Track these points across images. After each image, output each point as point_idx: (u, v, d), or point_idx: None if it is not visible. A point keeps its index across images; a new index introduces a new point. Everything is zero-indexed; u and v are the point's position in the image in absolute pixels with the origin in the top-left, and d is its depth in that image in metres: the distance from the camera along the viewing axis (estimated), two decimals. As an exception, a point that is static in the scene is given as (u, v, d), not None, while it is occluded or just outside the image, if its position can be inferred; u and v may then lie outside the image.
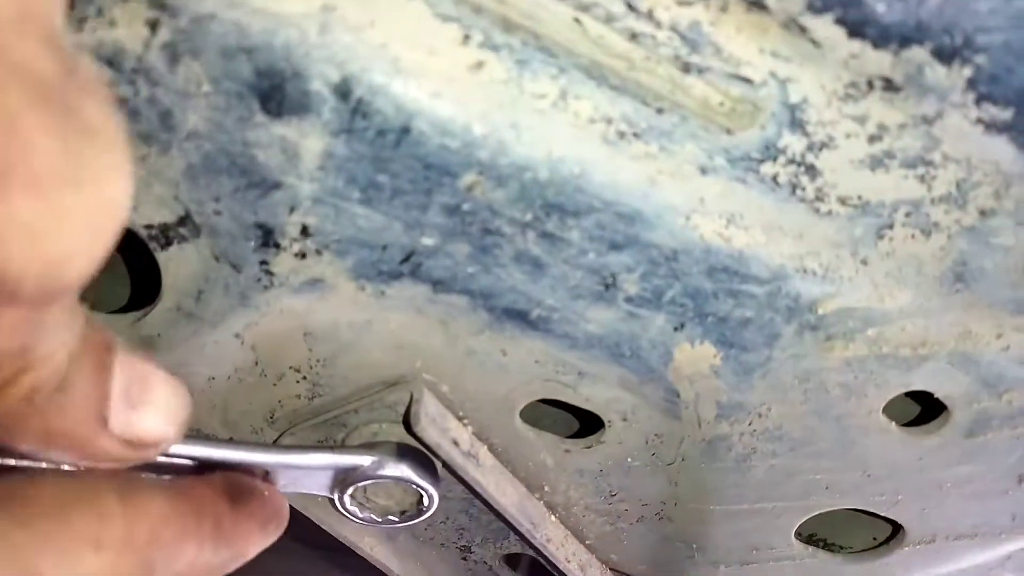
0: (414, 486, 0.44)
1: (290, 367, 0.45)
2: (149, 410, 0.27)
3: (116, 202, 0.20)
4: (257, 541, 0.33)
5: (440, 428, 0.45)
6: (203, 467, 0.36)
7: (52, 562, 0.24)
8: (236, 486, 0.34)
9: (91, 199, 0.19)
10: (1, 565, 0.24)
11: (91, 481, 0.27)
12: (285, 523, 0.37)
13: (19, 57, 0.17)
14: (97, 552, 0.25)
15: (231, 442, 0.38)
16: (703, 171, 0.37)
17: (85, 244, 0.19)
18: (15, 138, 0.17)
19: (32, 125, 0.17)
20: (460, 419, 0.47)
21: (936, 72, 0.33)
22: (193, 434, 0.46)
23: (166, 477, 0.34)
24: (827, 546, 0.60)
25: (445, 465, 0.46)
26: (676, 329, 0.42)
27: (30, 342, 0.21)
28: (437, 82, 0.34)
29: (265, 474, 0.39)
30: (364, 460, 0.43)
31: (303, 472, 0.41)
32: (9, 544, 0.24)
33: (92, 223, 0.19)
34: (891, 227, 0.39)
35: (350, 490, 0.44)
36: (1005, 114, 0.34)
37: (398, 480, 0.44)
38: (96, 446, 0.26)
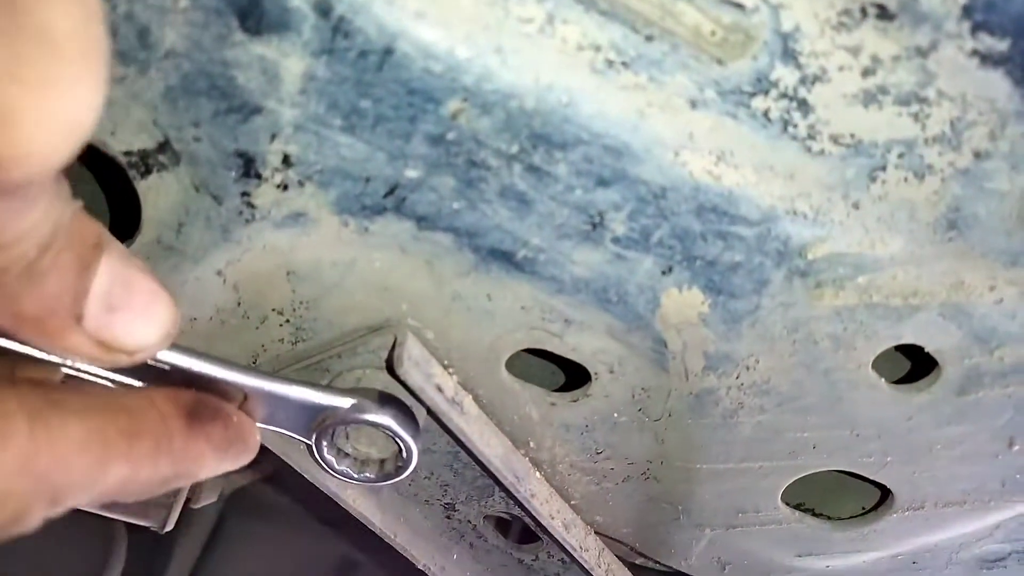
0: (393, 436, 0.43)
1: (273, 309, 0.45)
2: (128, 316, 0.27)
3: (70, 111, 0.20)
4: (211, 464, 0.33)
5: (424, 373, 0.44)
6: (184, 381, 0.35)
7: None
8: (198, 405, 0.33)
9: (40, 103, 0.19)
10: None
11: (4, 400, 0.26)
12: (251, 453, 0.36)
13: None
14: None
15: (210, 356, 0.36)
16: (693, 104, 0.36)
17: (33, 146, 0.20)
18: None
19: None
20: (445, 368, 0.47)
21: (931, -2, 0.32)
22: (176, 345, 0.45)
23: (128, 383, 0.34)
24: (815, 516, 0.60)
25: (429, 412, 0.45)
26: (664, 273, 0.41)
27: None
28: (421, 2, 0.33)
29: (244, 400, 0.38)
30: (344, 402, 0.42)
31: (281, 404, 0.40)
32: None
33: (40, 127, 0.20)
34: (884, 169, 0.38)
35: (328, 435, 0.43)
36: (1001, 45, 0.33)
37: (377, 426, 0.43)
38: (68, 341, 0.26)
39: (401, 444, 0.44)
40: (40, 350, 0.28)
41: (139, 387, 0.34)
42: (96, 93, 0.21)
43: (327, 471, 0.46)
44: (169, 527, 0.65)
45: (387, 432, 0.43)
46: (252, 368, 0.38)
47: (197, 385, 0.35)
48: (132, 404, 0.30)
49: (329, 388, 0.43)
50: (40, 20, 0.19)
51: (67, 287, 0.25)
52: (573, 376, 0.50)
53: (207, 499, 0.74)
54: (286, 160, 0.37)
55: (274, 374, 0.40)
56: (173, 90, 0.35)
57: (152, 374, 0.34)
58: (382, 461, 0.47)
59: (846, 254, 0.41)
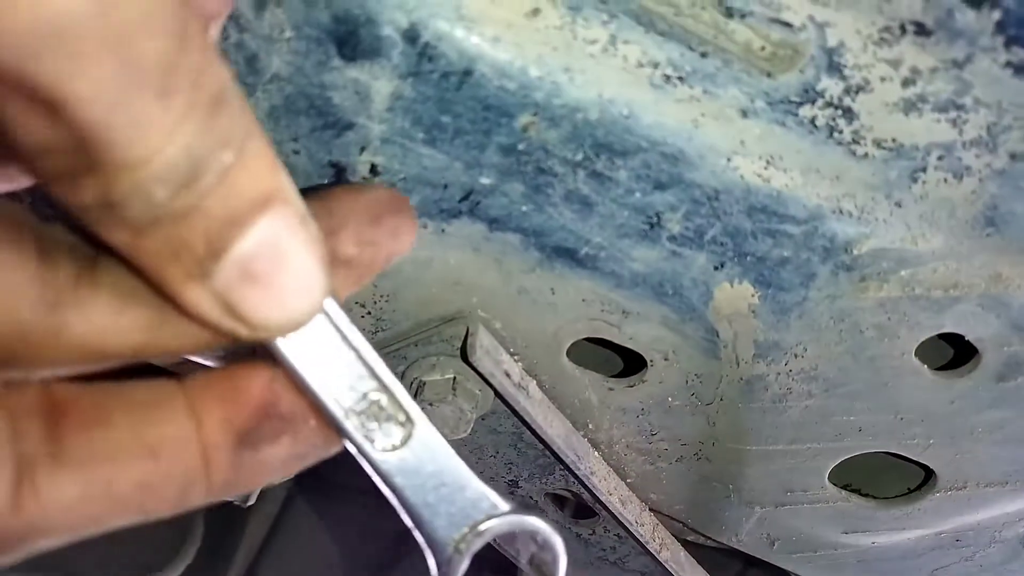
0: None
1: (356, 302, 0.49)
2: (266, 291, 0.23)
3: None
4: (267, 479, 0.28)
5: (494, 359, 0.48)
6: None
7: None
8: (260, 425, 0.27)
9: None
10: None
11: None
12: (331, 451, 0.29)
13: None
14: None
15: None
16: (744, 114, 0.40)
17: None
18: None
19: None
20: (511, 355, 0.51)
21: (966, 16, 0.35)
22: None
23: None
24: (861, 496, 0.62)
25: (497, 394, 0.49)
26: (716, 268, 0.45)
27: (73, 132, 0.19)
28: (497, 28, 0.37)
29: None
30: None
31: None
32: None
33: None
34: (924, 170, 0.41)
35: None
36: (1034, 57, 0.36)
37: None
38: (186, 295, 0.23)
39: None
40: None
41: (188, 404, 0.26)
42: None
43: None
44: (251, 501, 0.70)
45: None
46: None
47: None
48: (164, 439, 0.25)
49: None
50: None
51: (205, 239, 0.22)
52: (630, 362, 0.54)
53: (285, 477, 0.79)
54: (373, 169, 0.42)
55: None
56: (276, 109, 0.40)
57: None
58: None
59: (889, 249, 0.44)
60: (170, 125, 0.20)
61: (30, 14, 0.17)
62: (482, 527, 0.29)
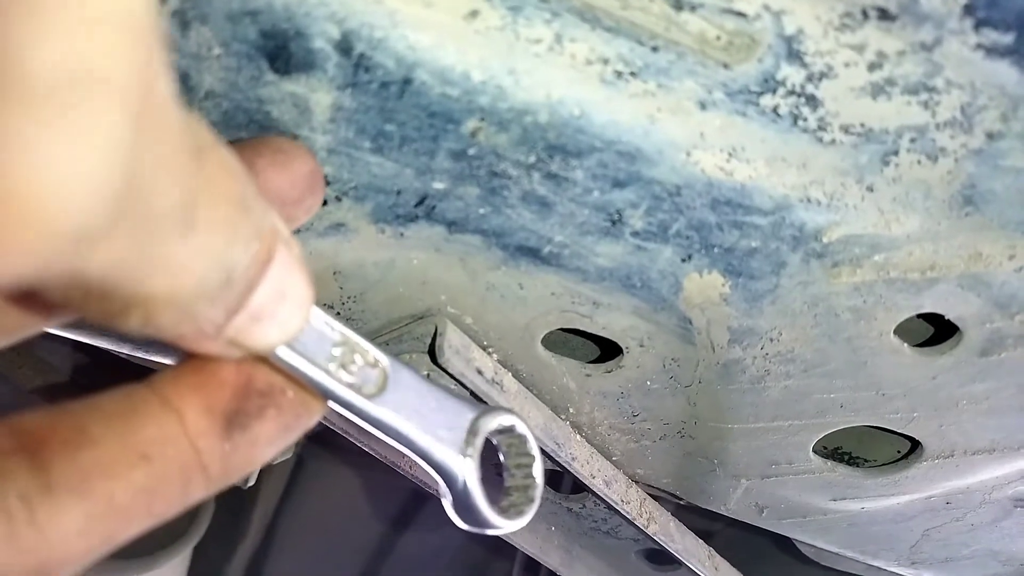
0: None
1: (324, 304, 0.48)
2: (268, 325, 0.24)
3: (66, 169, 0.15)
4: (264, 458, 0.28)
5: (464, 359, 0.47)
6: None
7: None
8: (242, 404, 0.27)
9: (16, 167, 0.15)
10: None
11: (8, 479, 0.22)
12: (316, 417, 0.29)
13: None
14: None
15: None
16: (702, 106, 0.38)
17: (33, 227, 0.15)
18: None
19: None
20: (485, 348, 0.50)
21: (931, 0, 0.32)
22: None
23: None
24: (852, 459, 0.62)
25: (471, 393, 0.49)
26: (684, 260, 0.43)
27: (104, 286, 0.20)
28: (434, 33, 0.35)
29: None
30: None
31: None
32: None
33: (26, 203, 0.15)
34: (896, 153, 0.39)
35: None
36: (1006, 38, 0.33)
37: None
38: (202, 347, 0.25)
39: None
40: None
41: (163, 402, 0.26)
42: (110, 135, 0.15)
43: None
44: (251, 482, 0.72)
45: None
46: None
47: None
48: (151, 440, 0.25)
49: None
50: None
51: (225, 311, 0.23)
52: (606, 348, 0.53)
53: (286, 453, 0.80)
54: (324, 179, 0.40)
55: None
56: (216, 125, 0.38)
57: None
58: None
59: (862, 235, 0.42)
60: (192, 253, 0.20)
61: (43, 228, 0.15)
62: (476, 427, 0.32)
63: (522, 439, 0.36)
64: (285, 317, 0.25)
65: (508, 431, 0.35)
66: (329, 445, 1.11)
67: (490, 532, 0.35)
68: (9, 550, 0.22)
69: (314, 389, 0.28)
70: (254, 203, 0.23)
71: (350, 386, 0.29)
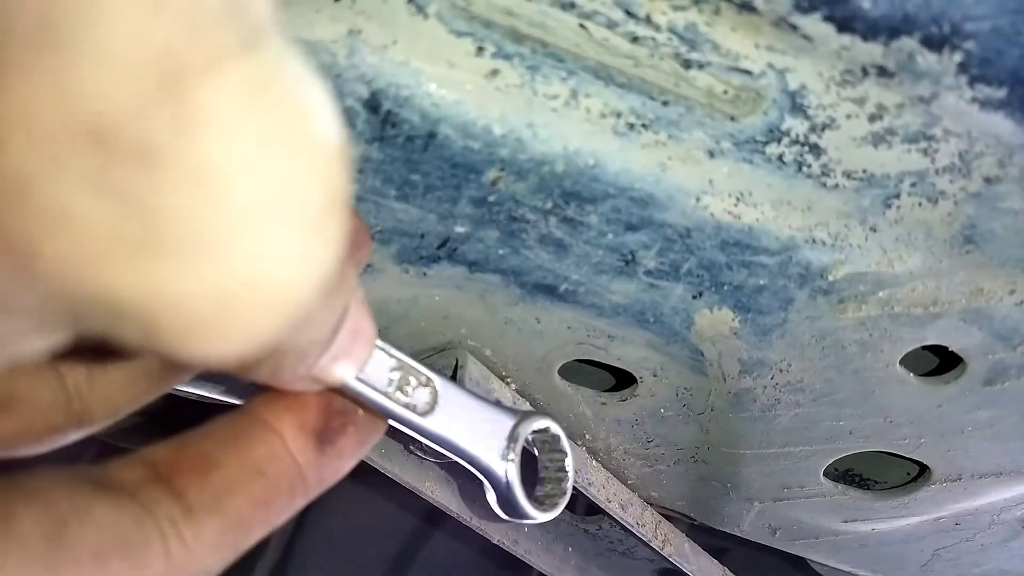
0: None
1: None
2: (346, 363, 0.27)
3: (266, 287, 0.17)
4: (344, 471, 0.31)
5: (484, 389, 0.49)
6: None
7: None
8: (329, 421, 0.30)
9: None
10: None
11: (139, 522, 0.25)
12: (381, 434, 0.33)
13: None
14: None
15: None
16: (711, 155, 0.40)
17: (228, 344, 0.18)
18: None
19: None
20: (503, 378, 0.52)
21: (927, 59, 0.34)
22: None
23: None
24: (863, 481, 0.64)
25: (490, 421, 0.51)
26: (695, 297, 0.45)
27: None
28: (457, 90, 0.37)
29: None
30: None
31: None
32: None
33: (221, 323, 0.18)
34: (898, 196, 0.41)
35: None
36: (999, 93, 0.35)
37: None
38: (292, 386, 0.27)
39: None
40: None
41: (264, 425, 0.30)
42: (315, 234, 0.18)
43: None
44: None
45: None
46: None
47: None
48: (263, 458, 0.28)
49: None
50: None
51: (319, 353, 0.26)
52: (621, 377, 0.55)
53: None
54: (369, 235, 0.42)
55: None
56: (250, 176, 0.40)
57: None
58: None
59: (866, 273, 0.44)
60: (328, 313, 0.24)
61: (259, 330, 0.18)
62: (516, 433, 0.36)
63: (555, 438, 0.40)
64: (358, 354, 0.27)
65: (543, 432, 0.39)
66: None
67: (528, 523, 0.40)
68: (166, 567, 0.25)
69: (377, 411, 0.32)
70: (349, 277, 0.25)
71: (406, 406, 0.33)
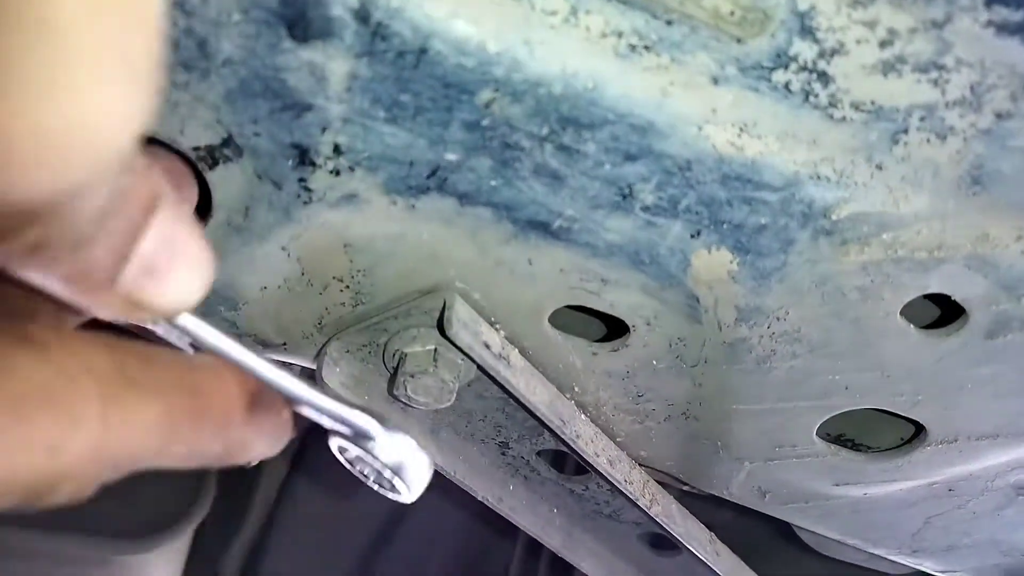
0: (397, 481, 0.38)
1: (334, 277, 0.49)
2: (164, 280, 0.26)
3: (87, 123, 0.18)
4: (255, 452, 0.31)
5: (472, 332, 0.48)
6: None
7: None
8: (260, 395, 0.31)
9: (46, 116, 0.18)
10: None
11: (78, 382, 0.24)
12: (285, 442, 0.34)
13: None
14: (50, 455, 0.23)
15: (266, 356, 0.34)
16: (715, 81, 0.38)
17: (52, 172, 0.18)
18: None
19: None
20: (492, 324, 0.51)
21: (943, -26, 0.33)
22: (244, 341, 0.46)
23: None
24: (855, 446, 0.62)
25: (479, 366, 0.49)
26: (693, 236, 0.44)
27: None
28: (451, 3, 0.35)
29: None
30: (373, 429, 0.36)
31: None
32: None
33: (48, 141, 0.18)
34: (906, 132, 0.40)
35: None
36: (1017, 15, 0.34)
37: (386, 469, 0.37)
38: (100, 299, 0.25)
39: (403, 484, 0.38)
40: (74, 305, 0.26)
41: (207, 360, 0.31)
42: (125, 98, 0.19)
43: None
44: (255, 461, 0.72)
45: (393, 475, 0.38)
46: (298, 379, 0.35)
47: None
48: (202, 383, 0.29)
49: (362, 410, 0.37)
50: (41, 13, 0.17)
51: (111, 252, 0.24)
52: (613, 327, 0.54)
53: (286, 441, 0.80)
54: (337, 149, 0.41)
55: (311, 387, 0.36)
56: (233, 92, 0.39)
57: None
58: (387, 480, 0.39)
59: (870, 213, 0.42)
60: (99, 196, 0.22)
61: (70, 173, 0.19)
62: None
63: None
64: (182, 277, 0.26)
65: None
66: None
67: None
68: (102, 432, 0.24)
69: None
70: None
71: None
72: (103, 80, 0.19)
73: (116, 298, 0.25)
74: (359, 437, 0.36)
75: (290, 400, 0.34)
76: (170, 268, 0.26)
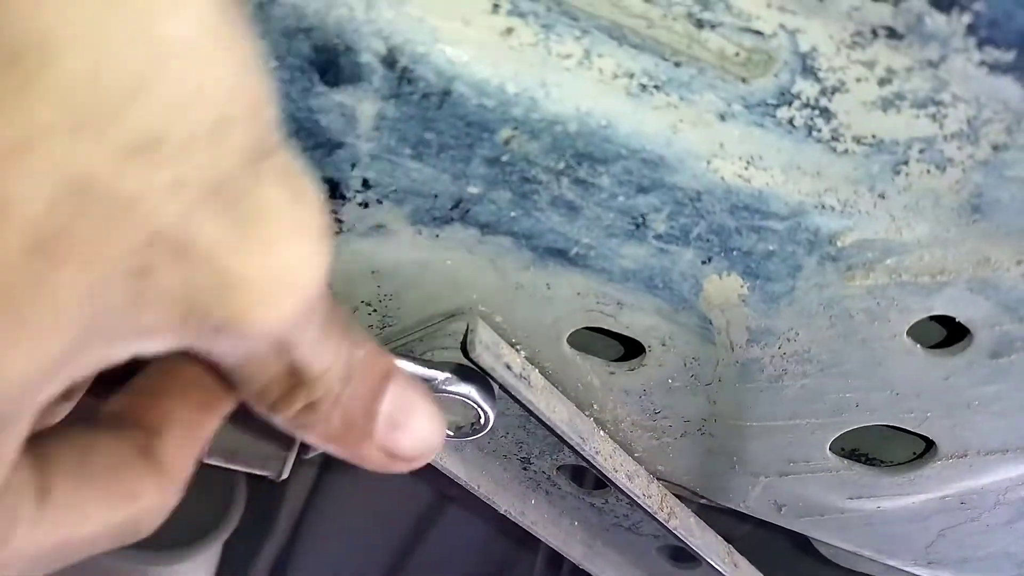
0: (474, 404, 0.50)
1: (362, 301, 0.51)
2: (408, 433, 0.33)
3: (292, 272, 0.24)
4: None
5: (494, 354, 0.50)
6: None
7: None
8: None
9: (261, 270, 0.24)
10: None
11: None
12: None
13: None
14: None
15: None
16: (722, 118, 0.40)
17: (256, 311, 0.24)
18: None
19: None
20: (513, 345, 0.53)
21: (936, 20, 0.35)
22: None
23: None
24: (869, 460, 0.64)
25: (501, 387, 0.52)
26: (704, 263, 0.46)
27: (291, 367, 0.28)
28: (472, 48, 0.38)
29: None
30: (439, 375, 0.49)
31: None
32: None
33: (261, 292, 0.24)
34: (906, 163, 0.41)
35: None
36: (1008, 56, 0.36)
37: (461, 396, 0.49)
38: (362, 451, 0.33)
39: (481, 410, 0.51)
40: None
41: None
42: (317, 247, 0.25)
43: None
44: (284, 476, 0.75)
45: (469, 401, 0.50)
46: None
47: None
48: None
49: (431, 362, 0.49)
50: (257, 195, 0.23)
51: (362, 411, 0.32)
52: (630, 347, 0.56)
53: (315, 450, 0.83)
54: (365, 183, 0.43)
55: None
56: (268, 133, 0.41)
57: None
58: (470, 424, 0.54)
59: (874, 240, 0.44)
60: (336, 345, 0.30)
61: (290, 305, 0.25)
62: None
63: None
64: (422, 427, 0.34)
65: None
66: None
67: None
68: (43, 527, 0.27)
69: None
70: (356, 327, 0.32)
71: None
72: (307, 240, 0.25)
73: (375, 450, 0.32)
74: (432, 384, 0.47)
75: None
76: (409, 424, 0.33)
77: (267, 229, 0.23)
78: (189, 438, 0.32)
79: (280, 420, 0.30)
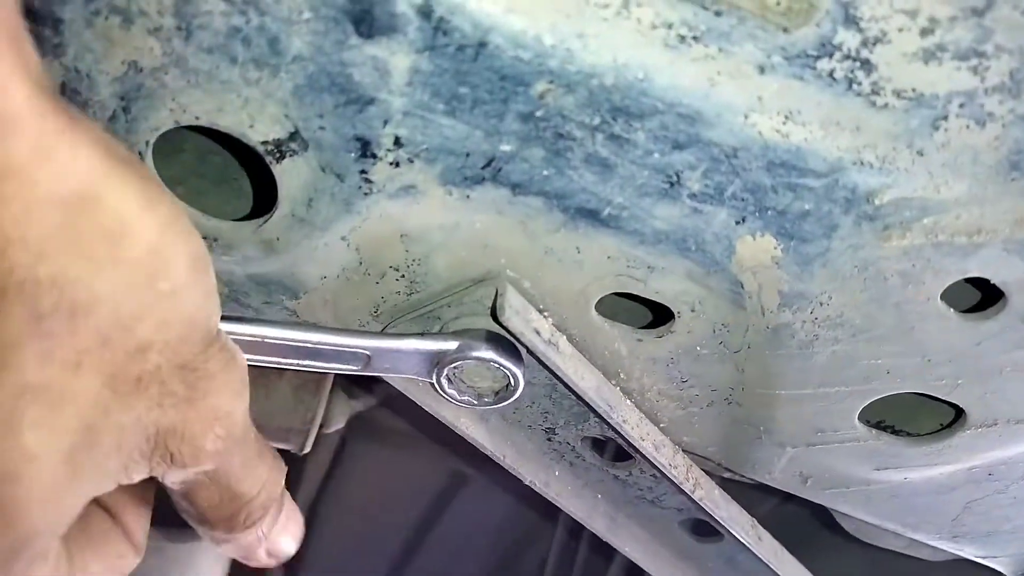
0: (500, 367, 0.50)
1: (390, 266, 0.51)
2: (286, 537, 0.44)
3: None
4: None
5: (523, 318, 0.50)
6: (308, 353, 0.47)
7: None
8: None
9: None
10: None
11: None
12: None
13: None
14: None
15: (338, 329, 0.44)
16: (761, 70, 0.40)
17: None
18: None
19: None
20: (541, 312, 0.52)
21: (984, -37, 0.34)
22: (305, 323, 0.52)
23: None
24: (895, 432, 0.63)
25: (529, 352, 0.51)
26: (738, 223, 0.45)
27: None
28: (510, -1, 0.37)
29: (367, 360, 0.45)
30: (451, 344, 0.49)
31: (401, 356, 0.47)
32: None
33: None
34: (946, 118, 0.41)
35: (444, 372, 0.50)
36: (1056, 1, 0.35)
37: (484, 361, 0.49)
38: (256, 553, 0.43)
39: (507, 373, 0.51)
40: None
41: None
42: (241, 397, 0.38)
43: (450, 402, 0.53)
44: (307, 450, 0.74)
45: (494, 364, 0.50)
46: (370, 332, 0.45)
47: (324, 356, 0.46)
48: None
49: (438, 334, 0.49)
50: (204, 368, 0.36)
51: (269, 525, 0.43)
52: (658, 314, 0.55)
53: (337, 424, 0.83)
54: (397, 142, 0.43)
55: (389, 333, 0.47)
56: (301, 88, 0.41)
57: (277, 349, 0.45)
58: (496, 390, 0.54)
59: (912, 198, 0.44)
60: (265, 472, 0.42)
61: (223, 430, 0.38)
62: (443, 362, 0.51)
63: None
64: (294, 531, 0.45)
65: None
66: (371, 425, 1.14)
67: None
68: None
69: None
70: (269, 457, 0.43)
71: None
72: (234, 391, 0.38)
73: (263, 552, 0.44)
74: (448, 358, 0.50)
75: (376, 359, 0.48)
76: (288, 530, 0.45)
77: (210, 385, 0.35)
78: (143, 512, 0.42)
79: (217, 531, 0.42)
